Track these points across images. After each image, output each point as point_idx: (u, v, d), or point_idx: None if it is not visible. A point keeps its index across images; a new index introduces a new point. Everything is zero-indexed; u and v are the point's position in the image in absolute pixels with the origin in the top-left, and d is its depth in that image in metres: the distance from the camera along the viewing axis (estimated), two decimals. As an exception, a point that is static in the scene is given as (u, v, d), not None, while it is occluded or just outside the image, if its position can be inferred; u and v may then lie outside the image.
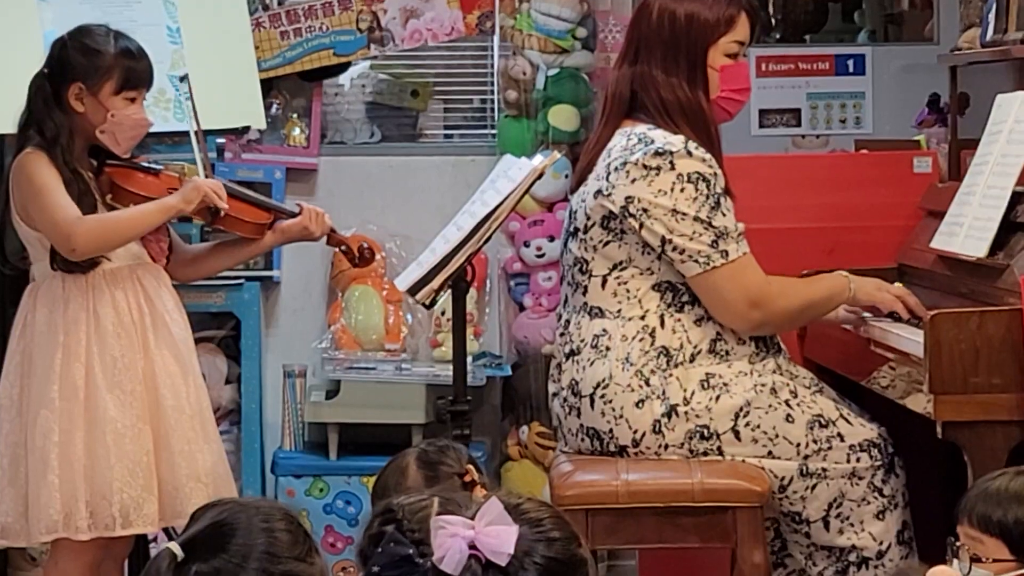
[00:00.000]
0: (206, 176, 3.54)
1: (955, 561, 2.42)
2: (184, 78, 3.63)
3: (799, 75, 5.30)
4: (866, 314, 3.50)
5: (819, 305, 3.44)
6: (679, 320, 3.31)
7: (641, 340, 3.29)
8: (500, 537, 1.76)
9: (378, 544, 1.99)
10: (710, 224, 3.25)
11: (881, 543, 3.33)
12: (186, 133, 4.54)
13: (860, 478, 3.32)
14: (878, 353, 3.41)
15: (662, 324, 3.31)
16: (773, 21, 5.61)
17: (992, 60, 4.16)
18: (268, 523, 1.90)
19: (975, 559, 2.38)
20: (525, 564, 1.78)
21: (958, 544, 2.43)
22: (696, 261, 3.26)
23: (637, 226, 3.28)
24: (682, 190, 3.26)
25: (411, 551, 1.90)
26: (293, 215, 3.70)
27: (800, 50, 5.40)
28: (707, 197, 3.26)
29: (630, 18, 3.57)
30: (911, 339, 3.24)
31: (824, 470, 3.31)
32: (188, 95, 3.62)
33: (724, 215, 3.27)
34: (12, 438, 3.46)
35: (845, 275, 3.45)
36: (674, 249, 3.26)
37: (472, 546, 1.76)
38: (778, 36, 5.59)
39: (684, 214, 3.25)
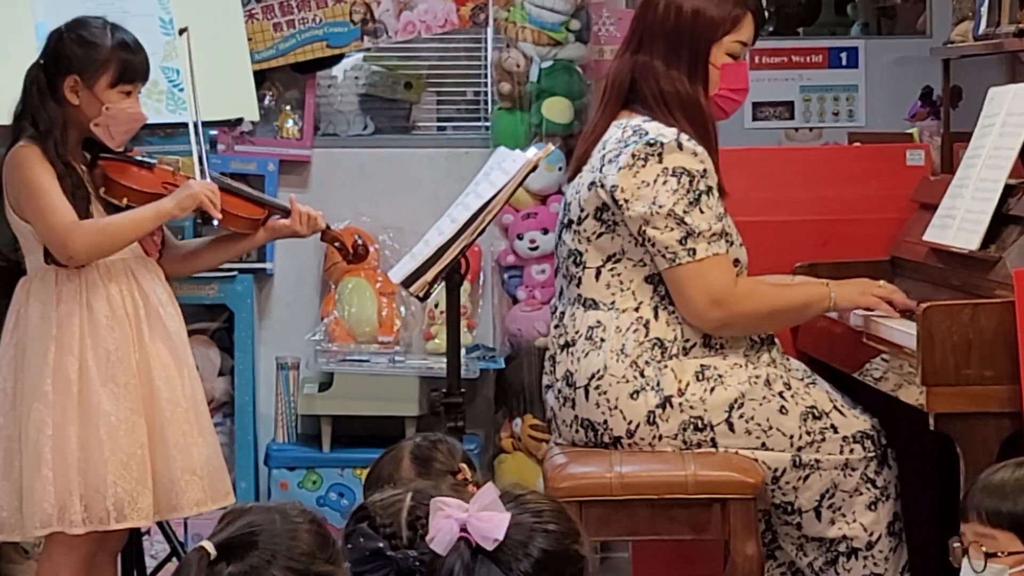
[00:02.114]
0: (201, 163, 3.51)
1: (965, 561, 2.40)
2: (184, 31, 3.60)
3: (792, 68, 5.30)
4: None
5: (791, 311, 3.43)
6: (673, 312, 3.32)
7: (635, 331, 3.29)
8: (491, 522, 1.77)
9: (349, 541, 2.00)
10: (683, 221, 3.24)
11: (871, 534, 3.34)
12: (180, 125, 4.56)
13: (853, 469, 3.33)
14: (871, 345, 3.41)
15: (656, 316, 3.31)
16: (767, 14, 5.61)
17: (985, 53, 4.17)
18: (296, 526, 1.89)
19: (990, 555, 2.36)
20: (518, 555, 1.79)
21: (966, 544, 2.40)
22: (664, 256, 3.26)
23: (622, 216, 3.28)
24: (664, 183, 3.25)
25: (381, 544, 1.91)
26: (286, 210, 3.70)
27: (793, 43, 5.40)
28: (687, 192, 3.25)
29: (636, 7, 3.55)
30: (904, 331, 3.25)
31: (817, 461, 3.31)
32: (187, 48, 3.58)
33: (702, 213, 3.26)
34: (6, 432, 3.45)
35: (826, 283, 3.42)
36: (647, 240, 3.27)
37: (464, 530, 1.77)
38: (771, 29, 5.59)
39: (661, 207, 3.25)
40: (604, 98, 3.45)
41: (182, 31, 3.60)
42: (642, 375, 3.27)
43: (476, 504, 1.79)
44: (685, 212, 3.25)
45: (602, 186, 3.30)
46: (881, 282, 3.48)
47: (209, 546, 1.84)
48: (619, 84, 3.40)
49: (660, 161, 3.26)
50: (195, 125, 3.51)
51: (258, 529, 1.87)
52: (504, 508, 1.80)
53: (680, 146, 3.28)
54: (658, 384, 3.27)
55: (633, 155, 3.27)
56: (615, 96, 3.41)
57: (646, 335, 3.29)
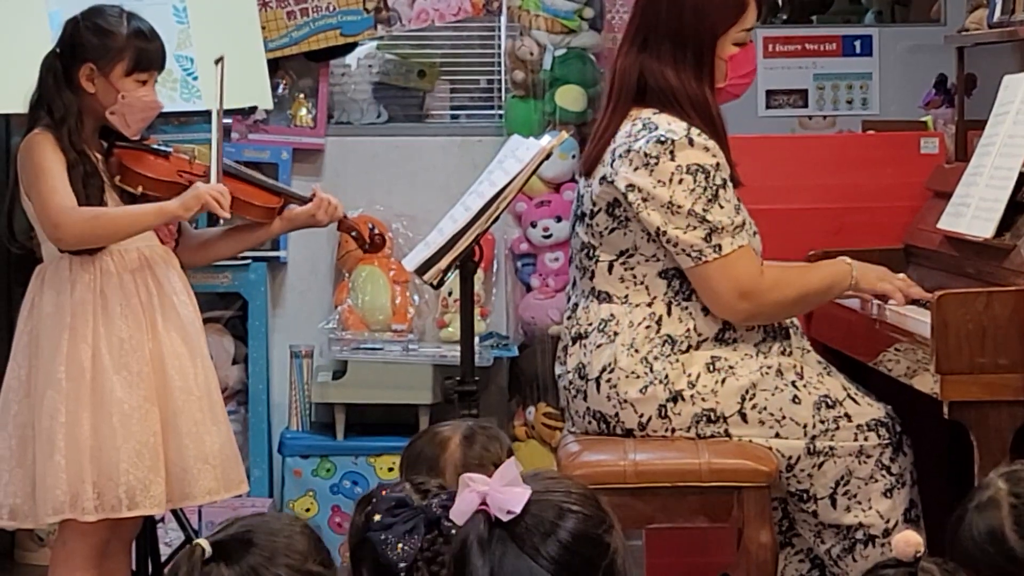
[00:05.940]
0: (217, 163, 3.52)
1: None
2: (220, 60, 3.60)
3: (806, 56, 5.29)
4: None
5: (817, 294, 3.42)
6: (686, 308, 3.31)
7: (647, 327, 3.29)
8: (510, 495, 1.78)
9: (367, 512, 2.03)
10: (704, 219, 3.23)
11: (888, 521, 3.34)
12: (193, 113, 4.57)
13: (868, 456, 3.32)
14: (885, 333, 3.41)
15: (669, 312, 3.30)
16: (780, 2, 5.60)
17: (999, 41, 4.16)
18: (290, 529, 1.93)
19: None
20: (543, 534, 1.79)
21: None
22: (688, 255, 3.25)
23: (635, 214, 3.27)
24: (680, 182, 3.24)
25: (403, 495, 1.94)
26: (303, 199, 3.70)
27: (807, 31, 5.39)
28: (704, 189, 3.24)
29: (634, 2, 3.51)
30: (918, 319, 3.24)
31: (831, 449, 3.31)
32: (220, 79, 3.59)
33: (722, 207, 3.25)
34: (20, 419, 3.46)
35: (848, 262, 3.43)
36: (668, 241, 3.26)
37: (485, 504, 1.79)
38: (785, 17, 5.58)
39: (679, 207, 3.23)
40: (612, 98, 3.39)
41: (218, 60, 3.60)
42: (651, 370, 3.27)
43: (497, 477, 1.80)
44: (705, 210, 3.23)
45: (612, 183, 3.29)
46: (902, 275, 3.48)
47: (204, 543, 1.85)
48: (628, 84, 3.35)
49: (673, 159, 3.24)
50: (216, 143, 3.52)
51: (255, 529, 1.90)
52: (523, 484, 1.81)
53: (691, 142, 3.26)
54: (666, 378, 3.26)
55: (646, 154, 3.25)
56: (624, 96, 3.36)
57: (657, 331, 3.29)
